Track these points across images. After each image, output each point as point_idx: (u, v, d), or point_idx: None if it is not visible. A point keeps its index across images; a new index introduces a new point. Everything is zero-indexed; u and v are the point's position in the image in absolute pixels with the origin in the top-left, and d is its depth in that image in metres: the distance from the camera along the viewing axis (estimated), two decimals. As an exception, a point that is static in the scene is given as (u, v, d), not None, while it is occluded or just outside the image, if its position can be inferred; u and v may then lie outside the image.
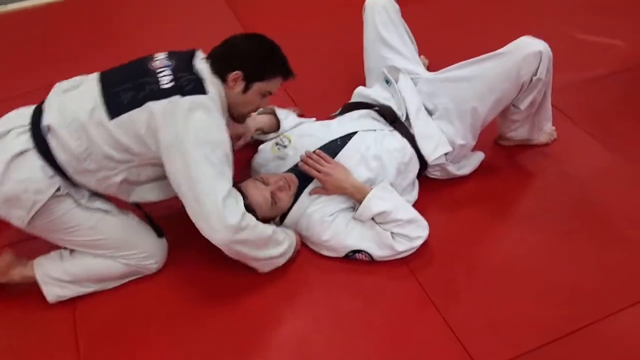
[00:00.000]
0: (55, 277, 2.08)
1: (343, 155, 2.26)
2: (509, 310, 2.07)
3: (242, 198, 1.97)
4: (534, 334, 2.00)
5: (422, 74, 2.58)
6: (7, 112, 2.05)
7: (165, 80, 1.90)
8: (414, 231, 2.16)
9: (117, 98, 1.90)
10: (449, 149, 2.37)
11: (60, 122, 1.91)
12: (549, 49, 2.25)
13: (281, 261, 2.17)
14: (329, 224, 2.19)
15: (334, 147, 2.30)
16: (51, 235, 2.06)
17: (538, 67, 2.24)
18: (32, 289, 2.10)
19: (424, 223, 2.19)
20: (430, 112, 2.45)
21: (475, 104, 2.33)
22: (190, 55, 2.03)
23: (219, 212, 1.86)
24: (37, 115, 1.95)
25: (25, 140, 1.92)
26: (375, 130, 2.37)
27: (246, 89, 2.04)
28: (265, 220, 2.15)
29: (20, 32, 3.73)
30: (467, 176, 2.54)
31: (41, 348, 2.03)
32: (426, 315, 2.07)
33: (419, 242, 2.18)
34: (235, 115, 2.14)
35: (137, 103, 1.87)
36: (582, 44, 3.43)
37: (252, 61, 2.01)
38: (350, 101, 2.64)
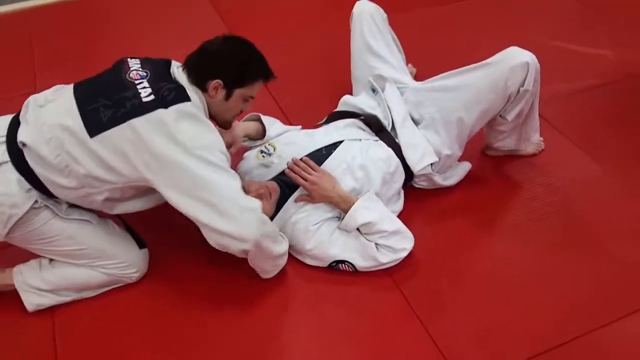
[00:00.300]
0: (34, 285, 2.04)
1: (328, 165, 2.24)
2: (494, 323, 2.05)
3: None
4: (519, 347, 1.98)
5: (408, 83, 2.56)
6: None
7: (145, 93, 1.84)
8: (399, 243, 2.15)
9: (95, 114, 1.83)
10: (435, 159, 2.36)
11: (37, 140, 1.85)
12: (536, 60, 2.24)
13: (283, 262, 2.16)
14: (313, 233, 2.16)
15: (319, 156, 2.27)
16: (30, 246, 2.02)
17: (525, 78, 2.23)
18: (12, 295, 2.07)
19: (409, 235, 2.18)
20: (416, 122, 2.43)
21: (462, 114, 2.32)
22: (166, 63, 2.00)
23: (243, 211, 1.84)
24: (15, 126, 1.91)
25: (1, 153, 1.87)
26: (360, 139, 2.35)
27: (228, 96, 2.00)
28: None
29: (6, 35, 3.70)
30: (454, 186, 2.53)
31: (19, 355, 2.00)
32: (409, 327, 2.05)
33: (404, 254, 2.16)
34: (219, 122, 2.10)
35: (118, 120, 1.81)
36: (570, 55, 3.43)
37: (231, 68, 1.97)
38: (336, 110, 2.62)
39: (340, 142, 2.32)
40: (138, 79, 1.87)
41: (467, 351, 1.97)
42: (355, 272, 2.18)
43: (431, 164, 2.37)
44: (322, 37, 3.55)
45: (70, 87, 1.96)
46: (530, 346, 1.98)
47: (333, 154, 2.27)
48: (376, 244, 2.13)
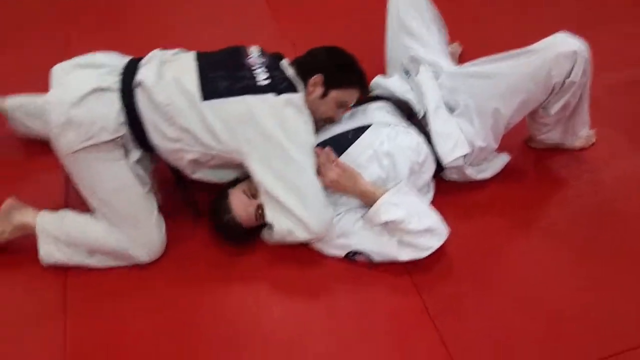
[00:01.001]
0: (52, 233, 2.08)
1: (353, 151, 2.12)
2: (516, 335, 1.91)
3: None
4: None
5: (445, 66, 2.39)
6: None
7: (261, 77, 2.00)
8: (427, 242, 2.01)
9: (213, 82, 1.99)
10: (467, 150, 2.20)
11: (155, 85, 1.98)
12: (585, 48, 2.05)
13: None
14: (333, 225, 2.07)
15: (343, 141, 2.16)
16: (78, 175, 2.06)
17: (572, 69, 2.04)
18: (27, 255, 2.09)
19: (440, 231, 2.03)
20: (451, 109, 2.27)
21: (498, 104, 2.15)
22: (277, 57, 2.16)
23: (323, 206, 2.01)
24: (132, 67, 2.04)
25: (112, 81, 2.00)
26: (390, 125, 2.20)
27: (324, 95, 2.12)
28: (254, 228, 2.14)
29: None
30: (489, 180, 2.36)
31: (29, 310, 2.02)
32: (423, 331, 1.94)
33: (428, 252, 2.02)
34: (315, 120, 2.15)
35: (234, 92, 1.97)
36: (628, 40, 3.15)
37: (332, 68, 2.12)
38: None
39: (368, 126, 2.19)
40: (256, 65, 2.05)
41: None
42: (372, 263, 2.08)
43: (463, 156, 2.22)
44: (357, 10, 3.39)
45: (193, 53, 2.12)
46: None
47: (359, 139, 2.15)
48: (401, 240, 2.02)
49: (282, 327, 1.96)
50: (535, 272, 2.09)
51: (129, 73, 2.02)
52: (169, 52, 2.15)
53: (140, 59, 2.11)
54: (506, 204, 2.31)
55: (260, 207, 2.05)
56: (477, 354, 1.87)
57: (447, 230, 2.04)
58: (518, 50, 2.12)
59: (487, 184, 2.35)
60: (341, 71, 2.13)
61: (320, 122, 2.19)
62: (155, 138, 2.03)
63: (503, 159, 2.39)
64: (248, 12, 3.46)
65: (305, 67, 2.12)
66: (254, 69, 2.03)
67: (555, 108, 2.17)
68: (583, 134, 2.43)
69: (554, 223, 2.25)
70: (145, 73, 2.01)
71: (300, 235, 2.01)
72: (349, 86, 2.14)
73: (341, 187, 2.04)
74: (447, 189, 2.31)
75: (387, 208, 1.97)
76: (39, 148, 2.40)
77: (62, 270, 2.09)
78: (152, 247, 2.11)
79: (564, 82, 2.06)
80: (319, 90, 2.11)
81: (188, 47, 2.22)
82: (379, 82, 2.45)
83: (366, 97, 2.37)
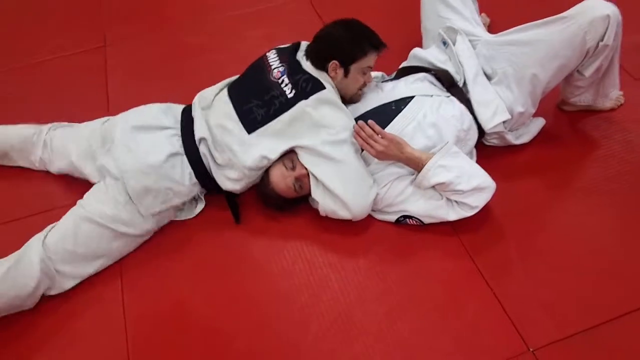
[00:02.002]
0: None
1: (398, 122, 2.19)
2: (563, 289, 2.01)
3: None
4: (586, 314, 1.95)
5: (481, 35, 2.45)
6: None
7: (288, 89, 2.14)
8: (475, 200, 2.09)
9: (250, 114, 2.17)
10: (507, 116, 2.27)
11: (210, 142, 2.19)
12: (617, 12, 2.12)
13: None
14: (382, 195, 2.17)
15: (387, 112, 2.22)
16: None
17: (605, 32, 2.10)
18: None
19: (487, 188, 2.10)
20: (488, 77, 2.34)
21: (536, 70, 2.22)
22: (294, 50, 2.26)
23: (368, 190, 2.14)
24: (187, 123, 2.24)
25: (177, 144, 2.19)
26: (432, 95, 2.27)
27: (346, 73, 2.20)
28: (295, 199, 2.24)
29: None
30: (526, 143, 2.44)
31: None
32: (475, 288, 2.04)
33: (477, 210, 2.11)
34: (347, 99, 2.29)
35: (271, 117, 2.14)
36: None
37: (341, 48, 2.17)
38: (405, 63, 2.54)
39: (411, 97, 2.25)
40: (279, 77, 2.18)
41: (534, 316, 1.95)
42: (422, 226, 2.18)
43: (503, 122, 2.29)
44: None
45: (225, 91, 2.29)
46: (598, 313, 1.94)
47: (403, 111, 2.21)
48: (450, 199, 2.11)
49: (342, 297, 2.05)
50: (578, 230, 2.18)
51: (188, 132, 2.21)
52: (211, 93, 2.33)
53: (188, 109, 2.30)
54: (545, 166, 2.39)
55: (298, 180, 2.16)
56: (529, 307, 1.97)
57: (494, 184, 2.11)
58: (552, 17, 2.18)
59: (525, 147, 2.44)
60: (350, 47, 2.18)
61: (357, 93, 2.29)
62: (223, 183, 2.23)
63: (539, 123, 2.47)
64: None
65: (318, 58, 2.19)
66: (281, 83, 2.16)
67: (589, 70, 2.24)
68: (613, 95, 2.50)
69: (592, 182, 2.33)
70: (199, 129, 2.21)
71: (343, 214, 2.15)
72: (364, 55, 2.18)
73: (389, 156, 2.10)
74: (488, 154, 2.39)
75: (435, 171, 2.05)
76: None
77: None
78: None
79: (597, 45, 2.12)
80: (340, 72, 2.20)
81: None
82: (417, 54, 2.50)
83: (407, 69, 2.46)
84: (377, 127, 2.09)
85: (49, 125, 2.43)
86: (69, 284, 2.08)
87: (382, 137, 2.07)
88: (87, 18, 3.50)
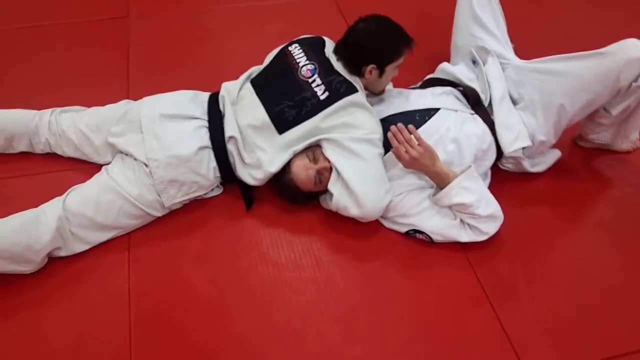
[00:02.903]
0: None
1: (421, 133, 2.16)
2: (566, 319, 2.02)
3: None
4: (589, 347, 1.95)
5: (512, 59, 2.47)
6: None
7: (320, 90, 2.15)
8: (488, 227, 2.12)
9: (281, 115, 2.17)
10: (528, 143, 2.28)
11: (240, 141, 2.19)
12: (654, 55, 2.14)
13: None
14: (395, 203, 2.17)
15: (411, 120, 2.21)
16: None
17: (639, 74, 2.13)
18: None
19: (500, 217, 2.14)
20: (514, 102, 2.36)
21: (564, 101, 2.23)
22: (321, 47, 2.27)
23: (383, 194, 2.13)
24: (214, 117, 2.22)
25: (205, 137, 2.18)
26: (456, 110, 2.29)
27: (381, 74, 2.22)
28: (311, 193, 2.24)
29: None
30: (540, 173, 2.47)
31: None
32: (479, 308, 2.04)
33: (487, 237, 2.14)
34: (376, 93, 2.34)
35: (302, 118, 2.16)
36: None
37: (379, 52, 2.18)
38: (433, 75, 2.56)
39: (436, 109, 2.26)
40: (310, 76, 2.19)
41: (535, 343, 1.95)
42: (431, 242, 2.18)
43: (523, 148, 2.31)
44: None
45: (251, 89, 2.27)
46: (601, 349, 1.95)
47: (428, 122, 2.22)
48: (464, 221, 2.12)
49: (346, 297, 2.05)
50: (584, 264, 2.20)
51: (216, 127, 2.20)
52: (235, 88, 2.30)
53: (214, 99, 2.28)
54: (557, 197, 2.41)
55: (319, 172, 2.16)
56: (531, 333, 1.97)
57: (503, 216, 2.15)
58: (589, 52, 2.19)
59: (539, 176, 2.46)
60: (388, 49, 2.18)
61: (384, 88, 2.35)
62: (246, 179, 2.24)
63: (556, 155, 2.49)
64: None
65: (353, 62, 2.19)
66: (312, 83, 2.17)
67: (617, 109, 2.27)
68: (633, 137, 2.53)
69: (603, 220, 2.35)
70: (228, 128, 2.19)
71: (354, 212, 2.14)
72: (400, 55, 2.20)
73: (419, 165, 2.08)
74: (502, 178, 2.41)
75: (458, 191, 2.05)
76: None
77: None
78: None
79: (630, 85, 2.14)
80: (376, 73, 2.21)
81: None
82: (445, 68, 2.51)
83: (433, 80, 2.48)
84: (417, 133, 2.07)
85: (50, 109, 2.37)
86: (80, 247, 2.06)
87: (418, 144, 2.06)
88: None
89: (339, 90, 2.15)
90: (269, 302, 2.01)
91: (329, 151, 2.15)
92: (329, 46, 2.28)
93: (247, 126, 2.20)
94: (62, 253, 2.05)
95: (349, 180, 2.10)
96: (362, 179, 2.10)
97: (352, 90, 2.16)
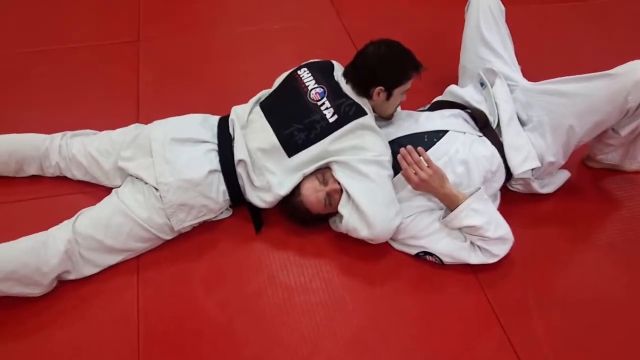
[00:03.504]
0: None
1: (430, 155, 2.16)
2: (577, 341, 2.01)
3: None
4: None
5: (520, 81, 2.48)
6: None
7: (329, 113, 2.16)
8: (498, 249, 2.11)
9: (291, 138, 2.18)
10: (537, 164, 2.28)
11: (250, 165, 2.20)
12: (662, 77, 2.14)
13: None
14: (405, 225, 2.16)
15: (420, 142, 2.22)
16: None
17: None
18: None
19: (510, 240, 2.13)
20: (523, 123, 2.36)
21: (573, 122, 2.23)
22: (330, 70, 2.29)
23: (393, 217, 2.12)
24: (226, 141, 2.24)
25: (215, 161, 2.19)
26: (465, 132, 2.29)
27: (389, 97, 2.23)
28: (320, 215, 2.23)
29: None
30: (550, 194, 2.46)
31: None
32: (490, 330, 2.03)
33: (497, 259, 2.13)
34: (384, 117, 2.34)
35: (312, 141, 2.16)
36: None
37: (387, 74, 2.19)
38: (440, 98, 2.57)
39: (445, 132, 2.27)
40: (319, 99, 2.20)
41: (546, 364, 1.94)
42: (441, 264, 2.17)
43: (532, 169, 2.31)
44: (430, 19, 3.55)
45: (259, 110, 2.29)
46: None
47: (437, 144, 2.22)
48: (474, 243, 2.11)
49: (356, 320, 2.04)
50: (592, 284, 2.19)
51: (225, 150, 2.21)
52: (244, 112, 2.32)
53: (223, 122, 2.30)
54: (566, 218, 2.41)
55: (329, 195, 2.15)
56: (541, 354, 1.96)
57: (513, 239, 2.14)
58: (596, 73, 2.20)
59: (548, 197, 2.46)
60: (396, 72, 2.19)
61: (394, 111, 2.35)
62: (256, 202, 2.24)
63: (565, 175, 2.49)
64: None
65: (362, 84, 2.20)
66: (321, 106, 2.18)
67: (625, 130, 2.27)
68: (640, 158, 2.54)
69: (612, 241, 2.34)
70: (238, 151, 2.20)
71: (363, 234, 2.13)
72: (409, 79, 2.21)
73: (428, 187, 2.08)
74: (511, 199, 2.41)
75: (468, 213, 2.05)
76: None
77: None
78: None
79: (638, 106, 2.14)
80: (383, 96, 2.21)
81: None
82: (453, 91, 2.52)
83: (441, 103, 2.49)
84: (426, 155, 2.08)
85: (61, 133, 2.39)
86: (89, 270, 2.07)
87: (428, 166, 2.06)
88: (123, 11, 3.54)
89: (347, 113, 2.15)
90: (278, 325, 2.01)
91: (339, 173, 2.15)
92: (338, 70, 2.29)
93: (257, 149, 2.21)
94: (72, 276, 2.05)
95: (359, 202, 2.09)
96: (372, 200, 2.10)
97: (361, 113, 2.16)
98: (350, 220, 2.13)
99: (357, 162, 2.12)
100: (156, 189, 2.09)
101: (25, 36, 3.30)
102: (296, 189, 2.19)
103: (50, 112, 2.71)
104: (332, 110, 2.16)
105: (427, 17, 3.59)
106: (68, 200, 2.32)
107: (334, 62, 2.34)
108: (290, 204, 2.22)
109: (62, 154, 2.32)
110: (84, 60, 3.14)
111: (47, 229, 2.06)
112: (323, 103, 2.18)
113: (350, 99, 2.18)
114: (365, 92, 2.20)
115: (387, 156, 2.16)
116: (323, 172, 2.20)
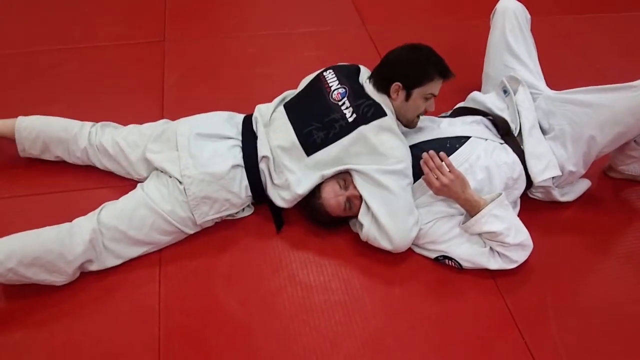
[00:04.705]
0: None
1: (452, 160, 2.18)
2: (594, 350, 2.01)
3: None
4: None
5: (543, 90, 2.49)
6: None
7: (349, 113, 2.16)
8: (517, 255, 2.12)
9: (310, 137, 2.20)
10: (558, 172, 2.29)
11: (271, 163, 2.23)
12: (685, 89, 2.14)
13: None
14: (425, 231, 2.18)
15: (442, 147, 2.21)
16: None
17: None
18: None
19: (529, 246, 2.14)
20: (544, 132, 2.37)
21: (595, 132, 2.24)
22: (355, 73, 2.29)
23: (411, 227, 2.14)
24: (249, 138, 2.28)
25: (238, 156, 2.22)
26: (486, 139, 2.30)
27: (407, 97, 2.19)
28: (340, 218, 2.26)
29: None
30: (570, 202, 2.47)
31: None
32: (508, 335, 2.03)
33: (517, 264, 2.14)
34: (404, 123, 2.29)
35: (330, 140, 2.17)
36: None
37: (407, 71, 2.17)
38: (463, 104, 2.58)
39: (467, 138, 2.28)
40: (340, 99, 2.20)
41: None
42: (460, 269, 2.18)
43: (552, 178, 2.32)
44: (454, 28, 3.59)
45: (282, 109, 2.33)
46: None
47: (459, 150, 2.23)
48: (493, 249, 2.12)
49: (374, 321, 2.05)
50: (611, 294, 2.19)
51: (249, 146, 2.25)
52: (268, 110, 2.36)
53: (248, 120, 2.34)
54: (586, 227, 2.41)
55: (349, 199, 2.17)
56: (558, 359, 1.96)
57: (533, 245, 2.15)
58: (619, 85, 2.20)
59: (568, 205, 2.47)
60: (416, 70, 2.17)
61: (414, 120, 2.29)
62: (276, 200, 2.27)
63: (585, 184, 2.49)
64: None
65: (382, 79, 2.20)
66: (342, 106, 2.19)
67: (648, 142, 2.28)
68: (662, 170, 2.53)
69: (632, 251, 2.34)
70: (262, 148, 2.24)
71: (384, 244, 2.16)
72: (430, 80, 2.16)
73: (450, 192, 2.08)
74: (530, 206, 2.41)
75: (488, 219, 2.05)
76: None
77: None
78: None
79: None
80: (402, 95, 2.19)
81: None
82: (475, 97, 2.53)
83: (464, 109, 2.50)
84: (448, 160, 2.08)
85: (92, 122, 2.44)
86: (112, 262, 2.09)
87: (449, 171, 2.07)
88: (149, 11, 3.60)
89: (366, 113, 2.15)
90: (297, 324, 2.02)
91: (358, 183, 2.17)
92: (364, 74, 2.30)
93: (277, 147, 2.24)
94: (94, 267, 2.08)
95: (378, 214, 2.12)
96: (389, 212, 2.12)
97: (381, 114, 2.15)
98: (370, 231, 2.16)
99: (376, 173, 2.13)
100: (180, 182, 2.12)
101: (53, 34, 3.36)
102: (317, 191, 2.21)
103: (77, 108, 2.72)
104: (351, 109, 2.16)
105: (451, 26, 3.63)
106: (93, 194, 2.35)
107: (361, 66, 2.36)
108: (311, 205, 2.24)
109: (91, 141, 2.37)
110: (110, 59, 3.20)
111: (71, 221, 2.09)
112: (344, 103, 2.19)
113: (371, 99, 2.18)
114: (384, 88, 2.19)
115: (406, 162, 2.16)
116: (344, 176, 2.21)
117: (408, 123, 2.29)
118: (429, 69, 2.16)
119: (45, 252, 1.95)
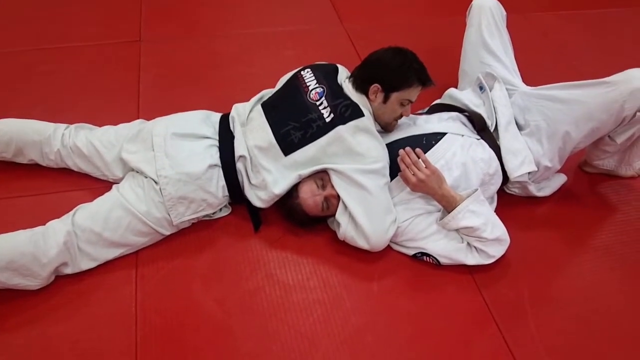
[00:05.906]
0: None
1: (428, 156, 2.18)
2: (572, 343, 2.03)
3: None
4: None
5: (519, 86, 2.51)
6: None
7: (326, 113, 2.16)
8: (495, 250, 2.13)
9: (287, 137, 2.19)
10: (533, 168, 2.30)
11: (248, 162, 2.22)
12: (658, 85, 2.16)
13: None
14: (402, 228, 2.18)
15: (418, 144, 2.21)
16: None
17: None
18: None
19: (506, 241, 2.15)
20: (520, 127, 2.38)
21: (569, 128, 2.26)
22: (334, 73, 2.30)
23: (388, 226, 2.14)
24: (226, 137, 2.26)
25: (215, 156, 2.21)
26: (463, 135, 2.31)
27: (385, 100, 2.20)
28: (318, 217, 2.26)
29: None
30: (546, 197, 2.48)
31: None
32: (485, 330, 2.05)
33: (494, 259, 2.15)
34: (382, 126, 2.31)
35: (307, 141, 2.17)
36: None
37: (387, 74, 2.18)
38: (439, 101, 2.59)
39: (443, 134, 2.29)
40: (317, 99, 2.20)
41: (543, 366, 1.96)
42: (438, 265, 2.19)
43: (529, 173, 2.33)
44: (430, 25, 3.60)
45: (259, 108, 2.31)
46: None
47: (435, 146, 2.24)
48: (471, 244, 2.13)
49: (354, 319, 2.05)
50: (587, 287, 2.21)
51: (226, 146, 2.24)
52: (245, 110, 2.36)
53: (225, 120, 2.33)
54: (562, 221, 2.43)
55: (327, 199, 2.17)
56: (536, 354, 1.98)
57: (509, 240, 2.17)
58: (594, 81, 2.22)
59: (545, 200, 2.48)
60: (397, 74, 2.17)
61: (391, 123, 2.31)
62: (253, 200, 2.26)
63: (561, 179, 2.52)
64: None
65: (362, 80, 2.21)
66: (319, 106, 2.19)
67: (621, 138, 2.29)
68: (637, 165, 2.57)
69: (607, 244, 2.37)
70: (238, 147, 2.22)
71: (361, 244, 2.17)
72: (408, 86, 2.18)
73: (426, 188, 2.09)
74: (507, 202, 2.43)
75: (465, 214, 2.06)
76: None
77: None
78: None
79: (634, 114, 2.16)
80: (380, 97, 2.20)
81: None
82: (452, 94, 2.54)
83: (440, 106, 2.51)
84: (424, 156, 2.10)
85: (66, 124, 2.40)
86: (87, 264, 2.07)
87: (426, 167, 2.08)
88: (125, 11, 3.57)
89: (343, 113, 2.15)
90: (276, 323, 2.02)
91: (336, 182, 2.16)
92: (342, 73, 2.31)
93: (254, 147, 2.23)
94: (69, 270, 2.05)
95: (355, 214, 2.12)
96: (366, 212, 2.12)
97: (359, 114, 2.15)
98: (347, 231, 2.16)
99: (353, 172, 2.12)
100: (156, 183, 2.10)
101: (29, 35, 3.31)
102: (294, 191, 2.21)
103: (51, 109, 2.71)
104: (329, 109, 2.16)
105: (427, 23, 3.65)
106: (68, 197, 2.32)
107: (339, 65, 2.36)
108: (288, 205, 2.23)
109: (65, 142, 2.33)
110: (86, 60, 3.16)
111: (45, 224, 2.07)
112: (321, 103, 2.19)
113: (349, 99, 2.18)
114: (363, 89, 2.20)
115: (383, 162, 2.17)
116: (322, 175, 2.21)
117: (385, 126, 2.31)
118: (409, 75, 2.17)
119: (18, 256, 1.93)
